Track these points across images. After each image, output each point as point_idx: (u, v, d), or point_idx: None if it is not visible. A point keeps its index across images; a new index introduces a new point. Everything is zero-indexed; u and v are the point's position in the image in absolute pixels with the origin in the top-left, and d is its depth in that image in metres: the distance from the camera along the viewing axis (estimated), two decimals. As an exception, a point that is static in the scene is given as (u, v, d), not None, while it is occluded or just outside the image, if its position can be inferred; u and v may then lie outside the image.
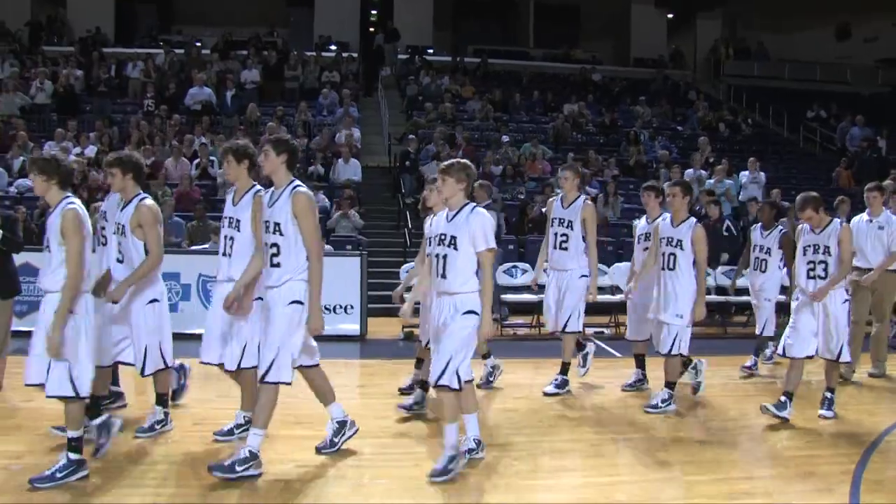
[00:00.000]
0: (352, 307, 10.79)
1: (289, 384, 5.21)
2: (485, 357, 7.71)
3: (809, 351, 6.81)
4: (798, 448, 6.15)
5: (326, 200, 14.08)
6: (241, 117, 17.66)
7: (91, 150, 15.21)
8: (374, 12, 28.11)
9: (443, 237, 5.32)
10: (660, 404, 6.99)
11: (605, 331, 11.50)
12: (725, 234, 12.60)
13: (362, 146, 17.48)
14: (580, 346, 8.02)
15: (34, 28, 23.15)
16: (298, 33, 25.56)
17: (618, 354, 9.69)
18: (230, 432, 5.89)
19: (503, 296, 11.70)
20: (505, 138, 18.10)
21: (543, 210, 14.12)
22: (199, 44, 22.44)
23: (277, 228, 5.20)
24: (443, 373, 5.17)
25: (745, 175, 15.96)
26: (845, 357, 6.90)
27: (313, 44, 23.86)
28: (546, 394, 7.49)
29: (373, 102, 21.35)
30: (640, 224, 8.18)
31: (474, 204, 5.36)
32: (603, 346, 10.33)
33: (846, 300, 6.94)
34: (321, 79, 20.41)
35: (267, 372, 5.15)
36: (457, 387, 5.18)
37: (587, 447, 6.08)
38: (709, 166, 16.55)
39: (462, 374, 5.23)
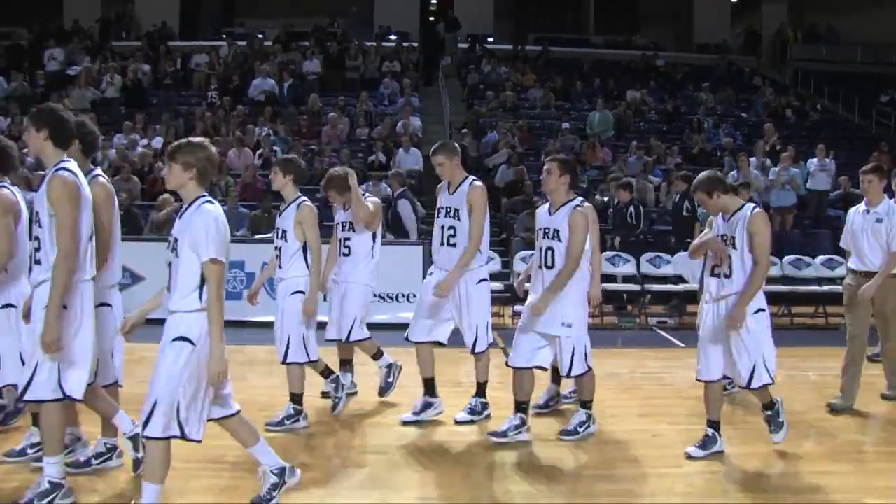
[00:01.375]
0: (413, 295, 10.81)
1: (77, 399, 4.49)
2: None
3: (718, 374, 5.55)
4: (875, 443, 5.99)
5: (388, 189, 14.14)
6: (303, 108, 17.87)
7: (158, 142, 15.56)
8: (433, 1, 28.10)
9: (169, 240, 4.23)
10: (578, 429, 5.84)
11: (669, 321, 11.36)
12: (630, 221, 12.20)
13: (423, 135, 17.50)
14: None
15: (104, 25, 23.69)
16: (359, 23, 25.69)
17: (681, 345, 9.56)
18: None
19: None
20: (566, 126, 17.98)
21: (605, 199, 14.02)
22: (261, 36, 22.72)
23: (38, 218, 4.49)
24: (146, 422, 4.05)
25: (812, 163, 15.51)
26: (758, 381, 5.39)
27: (373, 34, 23.96)
28: (457, 421, 6.29)
29: (433, 92, 21.34)
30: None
31: (207, 198, 4.20)
32: (666, 336, 10.24)
33: (760, 309, 5.40)
34: (382, 68, 20.49)
35: (25, 390, 4.43)
36: (169, 435, 4.07)
37: (648, 437, 6.01)
38: (775, 154, 16.16)
39: (172, 424, 4.06)
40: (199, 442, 4.15)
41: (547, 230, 5.77)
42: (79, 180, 4.46)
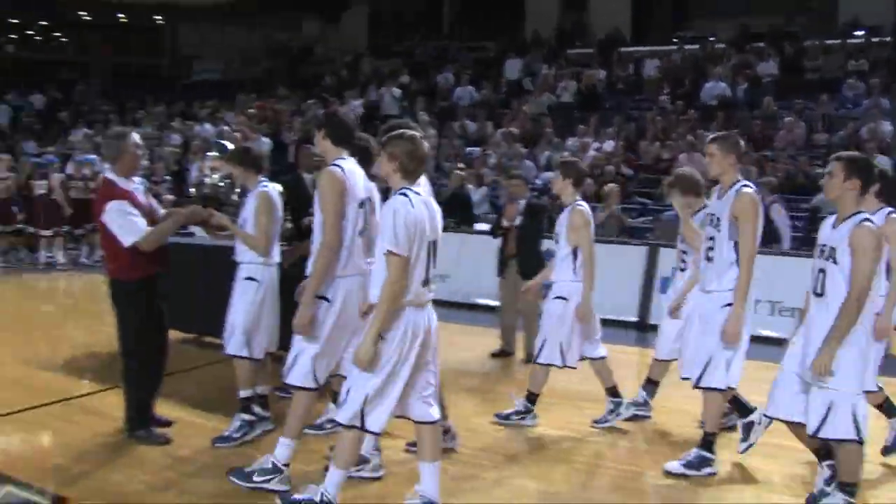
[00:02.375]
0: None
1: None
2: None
3: None
4: None
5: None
6: (756, 112, 17.16)
7: (609, 145, 15.98)
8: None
9: None
10: None
11: None
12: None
13: (892, 141, 15.83)
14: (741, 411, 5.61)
15: (560, 34, 25.00)
16: (820, 20, 23.98)
17: None
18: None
19: None
20: None
21: None
22: (713, 38, 22.26)
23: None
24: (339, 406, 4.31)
25: None
26: None
27: (836, 30, 22.21)
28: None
29: (907, 92, 19.18)
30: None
31: (402, 189, 4.18)
32: None
33: None
34: (846, 68, 18.93)
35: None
36: (352, 424, 4.18)
37: None
38: None
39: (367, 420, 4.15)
40: (379, 434, 4.28)
41: (823, 248, 4.58)
42: (345, 176, 4.68)
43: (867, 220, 4.47)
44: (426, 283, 4.20)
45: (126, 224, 5.30)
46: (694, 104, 17.69)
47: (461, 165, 15.66)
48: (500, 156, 16.21)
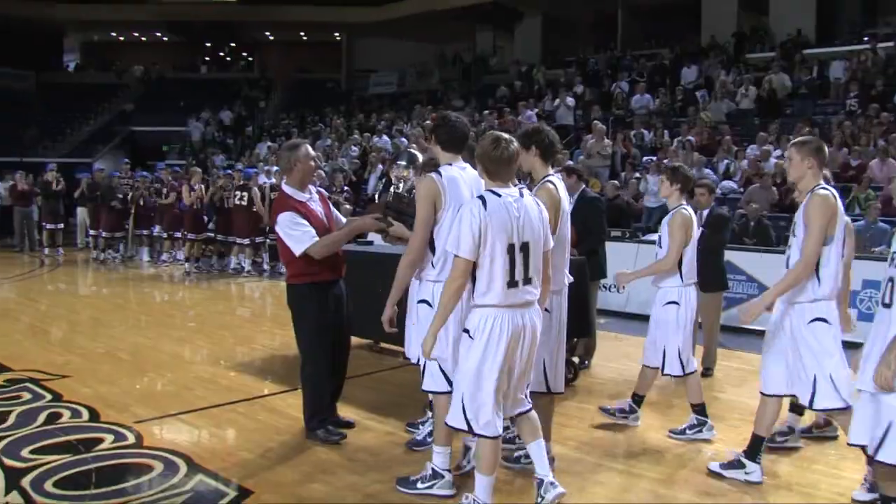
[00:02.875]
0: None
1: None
2: None
3: None
4: None
5: None
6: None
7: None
8: None
9: None
10: None
11: None
12: None
13: None
14: None
15: (739, 38, 24.14)
16: None
17: None
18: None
19: None
20: None
21: None
22: (909, 35, 20.80)
23: None
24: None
25: None
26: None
27: None
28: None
29: None
30: None
31: (484, 191, 4.25)
32: None
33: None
34: None
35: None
36: (456, 427, 4.30)
37: None
38: None
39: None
40: (494, 438, 4.20)
41: (894, 256, 3.89)
42: (441, 182, 4.65)
43: None
44: (513, 284, 4.12)
45: (295, 233, 5.51)
46: (887, 107, 16.54)
47: (637, 175, 15.41)
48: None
